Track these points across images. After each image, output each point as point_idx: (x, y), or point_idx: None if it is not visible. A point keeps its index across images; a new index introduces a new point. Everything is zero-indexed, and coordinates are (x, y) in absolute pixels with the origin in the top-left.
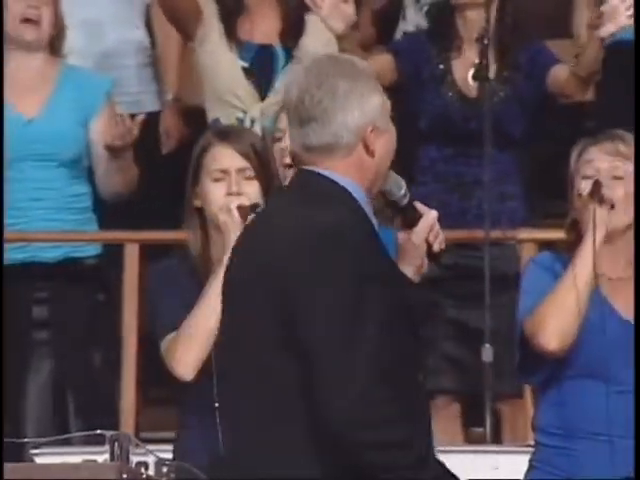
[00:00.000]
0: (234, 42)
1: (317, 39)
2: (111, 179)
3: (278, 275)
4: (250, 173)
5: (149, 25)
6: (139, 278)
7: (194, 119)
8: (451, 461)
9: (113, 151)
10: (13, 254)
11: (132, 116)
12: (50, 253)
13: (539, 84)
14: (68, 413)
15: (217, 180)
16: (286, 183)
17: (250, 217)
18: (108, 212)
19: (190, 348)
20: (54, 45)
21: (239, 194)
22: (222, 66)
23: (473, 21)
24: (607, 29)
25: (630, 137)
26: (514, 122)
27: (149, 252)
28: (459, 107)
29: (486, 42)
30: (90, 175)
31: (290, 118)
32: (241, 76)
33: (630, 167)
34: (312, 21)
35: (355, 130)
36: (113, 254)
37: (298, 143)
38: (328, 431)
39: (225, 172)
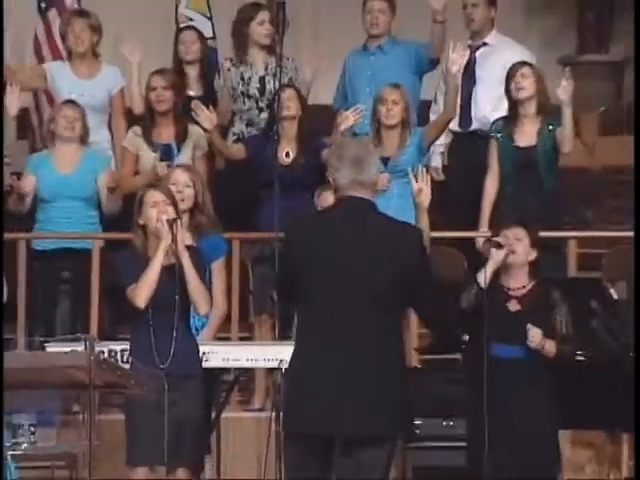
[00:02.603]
0: (150, 143)
1: (195, 139)
2: (109, 205)
3: (395, 257)
4: (168, 202)
5: (109, 125)
6: (100, 258)
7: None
8: None
9: (110, 190)
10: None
11: None
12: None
13: (318, 160)
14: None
15: (152, 207)
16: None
17: (172, 227)
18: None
19: (143, 290)
20: (82, 139)
21: (165, 212)
22: (144, 157)
23: (288, 128)
24: (343, 127)
25: None
26: (308, 177)
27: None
28: (281, 170)
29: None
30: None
31: (345, 165)
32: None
33: None
34: (191, 128)
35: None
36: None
37: (351, 179)
38: (443, 321)
39: (156, 202)
